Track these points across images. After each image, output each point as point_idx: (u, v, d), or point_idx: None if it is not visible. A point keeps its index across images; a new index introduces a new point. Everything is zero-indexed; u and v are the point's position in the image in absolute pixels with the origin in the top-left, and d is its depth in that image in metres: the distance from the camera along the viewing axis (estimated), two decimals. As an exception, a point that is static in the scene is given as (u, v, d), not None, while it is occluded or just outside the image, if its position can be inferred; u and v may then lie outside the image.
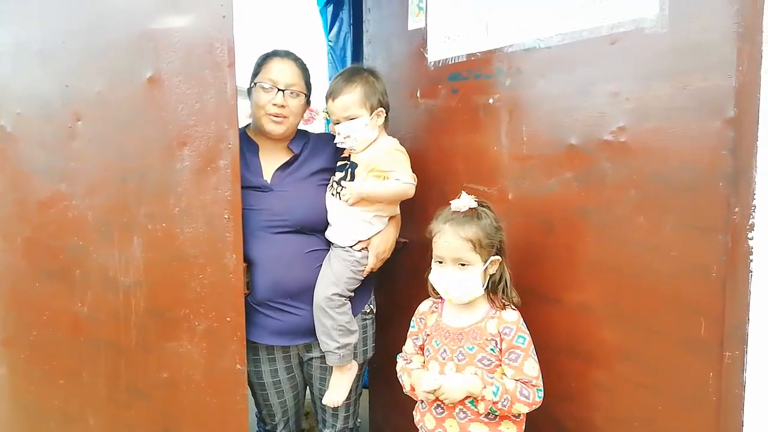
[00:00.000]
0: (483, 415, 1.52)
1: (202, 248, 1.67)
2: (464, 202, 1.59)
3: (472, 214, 1.57)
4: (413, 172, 1.90)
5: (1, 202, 1.75)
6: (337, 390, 1.96)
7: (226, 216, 1.65)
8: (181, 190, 1.65)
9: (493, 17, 1.81)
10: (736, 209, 1.29)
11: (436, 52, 2.05)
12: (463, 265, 1.55)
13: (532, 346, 1.54)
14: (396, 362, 1.77)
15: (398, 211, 2.03)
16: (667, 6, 1.38)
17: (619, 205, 1.52)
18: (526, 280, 1.68)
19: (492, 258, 1.57)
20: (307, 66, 2.02)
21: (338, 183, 1.92)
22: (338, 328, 1.87)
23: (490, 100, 1.84)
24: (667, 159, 1.41)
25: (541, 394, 1.52)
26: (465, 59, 1.93)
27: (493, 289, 1.60)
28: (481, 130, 1.89)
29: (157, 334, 1.72)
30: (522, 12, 1.73)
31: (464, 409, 1.55)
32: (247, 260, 1.84)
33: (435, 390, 1.50)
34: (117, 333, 1.73)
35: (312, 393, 2.14)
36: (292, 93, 1.91)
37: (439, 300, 1.71)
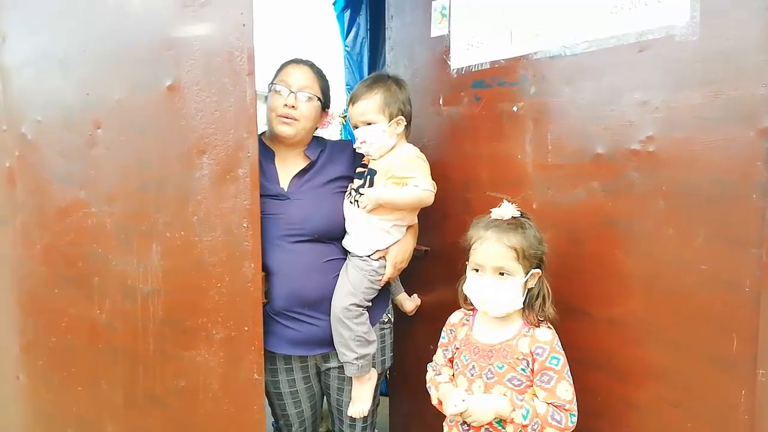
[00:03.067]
0: None
1: (221, 257, 1.66)
2: (507, 210, 1.53)
3: (516, 224, 1.51)
4: (435, 179, 1.87)
5: (21, 209, 1.75)
6: (360, 401, 1.94)
7: (245, 225, 1.63)
8: (200, 198, 1.64)
9: (517, 24, 1.79)
10: (772, 222, 1.25)
11: (459, 59, 2.02)
12: (502, 274, 1.49)
13: (567, 368, 1.47)
14: (424, 371, 1.74)
15: (416, 221, 2.00)
16: (698, 13, 1.35)
17: (647, 217, 1.48)
18: (552, 292, 1.64)
19: (533, 271, 1.51)
20: (325, 74, 2.02)
21: (356, 191, 1.90)
22: (356, 339, 1.84)
23: (515, 108, 1.81)
24: (698, 169, 1.38)
25: (575, 419, 1.45)
26: (489, 66, 1.90)
27: (529, 304, 1.53)
28: (504, 138, 1.86)
29: (174, 343, 1.71)
30: (547, 19, 1.69)
31: (491, 430, 1.50)
32: (265, 269, 1.83)
33: (462, 413, 1.45)
34: (135, 341, 1.72)
35: (329, 403, 2.12)
36: (305, 96, 1.90)
37: (471, 311, 1.65)
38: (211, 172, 1.63)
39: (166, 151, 1.65)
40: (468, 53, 1.98)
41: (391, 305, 2.10)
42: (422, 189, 1.83)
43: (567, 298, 1.69)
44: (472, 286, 1.54)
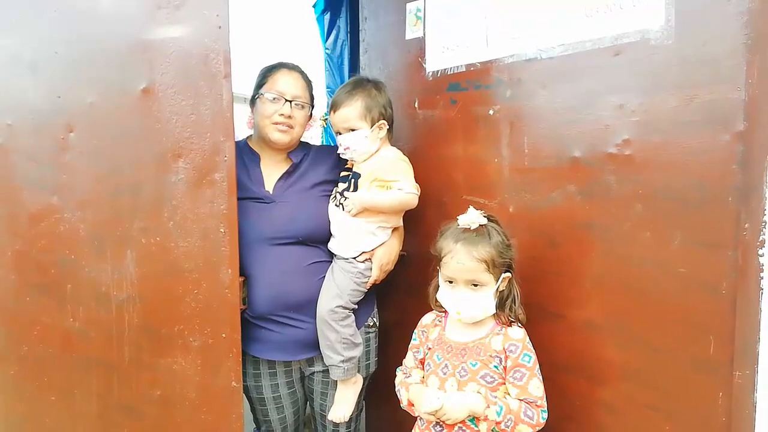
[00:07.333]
0: None
1: (197, 262, 1.63)
2: (473, 218, 1.54)
3: (483, 232, 1.52)
4: (412, 183, 1.87)
5: (-9, 216, 1.71)
6: (343, 405, 1.93)
7: (222, 230, 1.61)
8: (175, 204, 1.62)
9: (493, 27, 1.79)
10: (746, 225, 1.26)
11: (434, 62, 2.02)
12: (475, 285, 1.51)
13: (538, 366, 1.51)
14: (395, 376, 1.73)
15: (401, 223, 2.00)
16: (673, 17, 1.36)
17: (624, 220, 1.48)
18: (528, 296, 1.64)
19: (503, 275, 1.53)
20: (310, 78, 2.04)
21: (341, 194, 1.90)
22: (342, 341, 1.84)
23: (491, 111, 1.81)
24: (674, 173, 1.38)
25: (546, 415, 1.48)
26: (464, 69, 1.90)
27: (500, 305, 1.56)
28: (481, 141, 1.86)
29: (150, 351, 1.68)
30: (523, 22, 1.70)
31: (464, 428, 1.51)
32: (246, 273, 1.81)
33: (436, 411, 1.45)
34: (109, 349, 1.69)
35: (312, 409, 2.11)
36: (298, 105, 1.92)
37: (443, 313, 1.67)
38: (187, 176, 1.61)
39: (140, 156, 1.62)
40: (443, 56, 1.98)
41: (376, 309, 2.10)
42: (406, 192, 1.84)
43: (544, 301, 1.69)
44: (445, 296, 1.56)
